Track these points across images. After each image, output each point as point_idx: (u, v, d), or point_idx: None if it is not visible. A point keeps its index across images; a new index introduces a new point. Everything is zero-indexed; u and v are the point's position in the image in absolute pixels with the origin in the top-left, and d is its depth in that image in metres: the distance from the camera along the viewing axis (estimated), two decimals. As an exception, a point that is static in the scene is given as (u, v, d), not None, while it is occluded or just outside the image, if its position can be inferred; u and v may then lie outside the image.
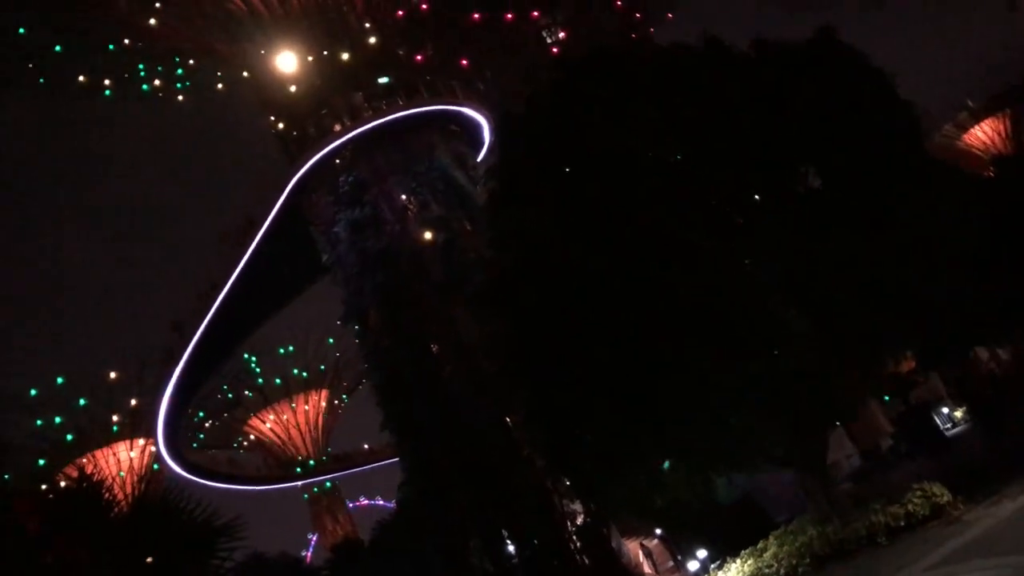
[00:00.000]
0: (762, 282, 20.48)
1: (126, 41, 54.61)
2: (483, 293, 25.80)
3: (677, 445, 21.35)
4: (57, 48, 54.71)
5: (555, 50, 66.99)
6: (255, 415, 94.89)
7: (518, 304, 22.69)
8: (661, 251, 19.74)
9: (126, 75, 58.95)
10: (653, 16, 74.39)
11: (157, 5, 50.70)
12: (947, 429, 38.40)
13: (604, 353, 20.73)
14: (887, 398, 36.99)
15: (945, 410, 40.31)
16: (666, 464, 22.27)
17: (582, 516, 41.03)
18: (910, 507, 20.63)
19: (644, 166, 20.54)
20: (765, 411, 20.70)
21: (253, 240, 50.01)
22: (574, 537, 41.17)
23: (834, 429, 29.73)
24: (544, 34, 68.30)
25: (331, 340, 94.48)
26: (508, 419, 41.52)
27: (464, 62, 65.61)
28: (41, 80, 57.74)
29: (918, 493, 20.94)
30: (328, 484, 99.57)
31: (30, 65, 55.80)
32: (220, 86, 59.14)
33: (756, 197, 20.83)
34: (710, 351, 19.46)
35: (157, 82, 60.06)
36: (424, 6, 63.83)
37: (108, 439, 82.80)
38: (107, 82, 58.33)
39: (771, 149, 20.44)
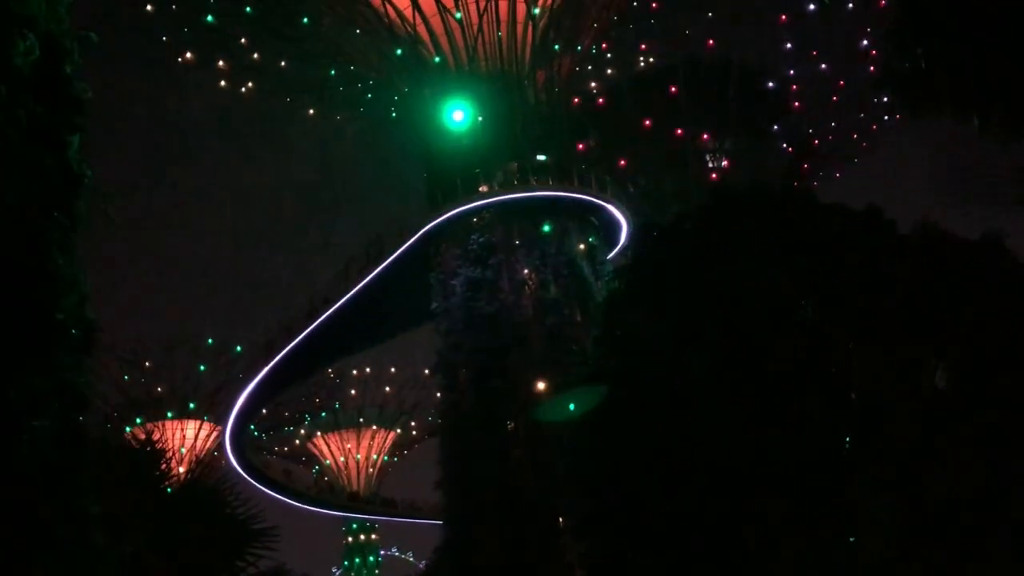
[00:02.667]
0: (856, 462, 19.64)
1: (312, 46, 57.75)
2: (576, 383, 25.55)
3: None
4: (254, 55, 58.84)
5: (714, 176, 67.29)
6: (322, 434, 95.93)
7: (606, 409, 22.29)
8: (768, 408, 19.18)
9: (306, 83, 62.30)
10: (821, 170, 74.01)
11: (357, 32, 53.40)
12: None
13: (677, 484, 20.11)
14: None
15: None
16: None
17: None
18: None
19: (773, 317, 20.09)
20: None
21: (374, 271, 51.22)
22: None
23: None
24: (707, 158, 68.74)
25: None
26: (560, 520, 40.55)
27: (622, 162, 66.62)
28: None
29: None
30: (368, 525, 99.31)
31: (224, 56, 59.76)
32: (393, 114, 61.38)
33: (877, 381, 20.07)
34: (788, 517, 18.63)
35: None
36: (601, 100, 65.38)
37: (182, 414, 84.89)
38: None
39: (908, 337, 19.74)
